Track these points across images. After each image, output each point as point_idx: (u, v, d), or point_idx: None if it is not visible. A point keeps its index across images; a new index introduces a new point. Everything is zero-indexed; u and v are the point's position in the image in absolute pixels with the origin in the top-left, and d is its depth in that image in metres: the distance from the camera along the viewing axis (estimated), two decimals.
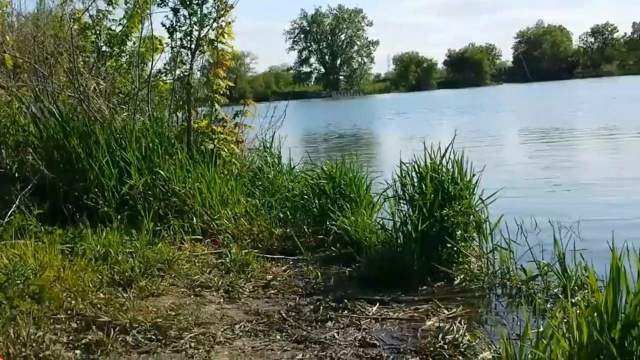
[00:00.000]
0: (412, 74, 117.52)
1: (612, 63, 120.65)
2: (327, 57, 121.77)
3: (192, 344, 3.70)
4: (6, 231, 5.67)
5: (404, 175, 5.43)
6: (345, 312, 4.25)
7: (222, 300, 4.55)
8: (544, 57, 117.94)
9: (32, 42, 9.33)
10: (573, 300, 3.84)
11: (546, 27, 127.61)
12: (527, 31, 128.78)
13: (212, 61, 8.24)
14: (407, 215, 5.23)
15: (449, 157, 5.32)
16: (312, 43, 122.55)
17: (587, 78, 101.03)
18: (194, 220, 6.18)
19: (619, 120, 21.49)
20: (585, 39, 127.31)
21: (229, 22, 7.89)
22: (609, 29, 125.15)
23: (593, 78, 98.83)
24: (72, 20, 9.05)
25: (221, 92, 7.77)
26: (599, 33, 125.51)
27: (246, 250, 5.50)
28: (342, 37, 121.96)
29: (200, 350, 3.64)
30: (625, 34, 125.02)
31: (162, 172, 6.64)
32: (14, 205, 6.33)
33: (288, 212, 6.61)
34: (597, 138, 17.60)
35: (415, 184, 5.37)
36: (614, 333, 2.77)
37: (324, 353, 3.60)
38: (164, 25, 8.30)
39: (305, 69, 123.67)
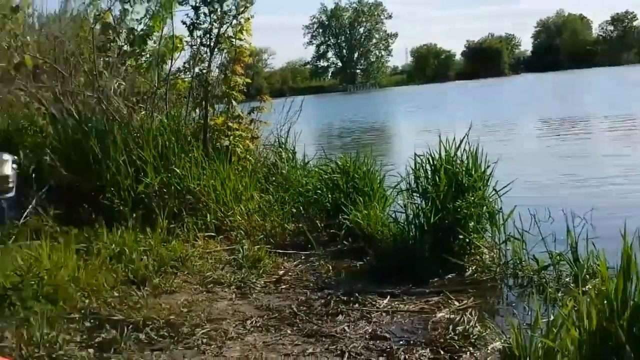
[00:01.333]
0: (429, 66, 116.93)
1: (631, 51, 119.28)
2: (344, 50, 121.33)
3: (205, 340, 3.73)
4: (21, 232, 5.74)
5: (417, 167, 5.42)
6: (356, 305, 4.25)
7: (234, 296, 4.57)
8: (564, 47, 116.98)
9: (52, 43, 9.43)
10: (584, 289, 3.82)
11: (566, 16, 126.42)
12: (548, 20, 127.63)
13: (230, 58, 8.28)
14: (419, 207, 5.23)
15: (464, 149, 5.29)
16: (331, 37, 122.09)
17: (606, 67, 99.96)
18: (208, 217, 6.21)
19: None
20: (605, 28, 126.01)
21: (248, 18, 7.90)
22: (629, 17, 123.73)
23: (613, 67, 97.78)
24: (94, 21, 9.12)
25: (238, 89, 7.79)
26: (619, 21, 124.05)
27: (259, 246, 5.52)
28: (361, 30, 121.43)
29: (212, 346, 3.66)
30: None
31: (177, 170, 6.68)
32: (30, 207, 6.41)
33: (301, 207, 6.62)
34: (613, 128, 17.36)
35: (429, 177, 5.35)
36: (622, 320, 2.77)
37: (334, 346, 3.61)
38: (184, 23, 8.37)
39: (323, 63, 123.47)
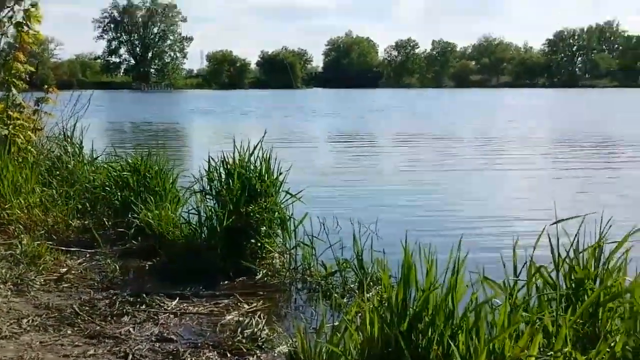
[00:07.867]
0: (225, 72, 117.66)
1: (413, 76, 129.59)
2: (138, 49, 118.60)
3: None
4: None
5: (211, 170, 5.39)
6: (143, 306, 4.13)
7: (9, 293, 4.28)
8: (351, 66, 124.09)
9: None
10: (368, 296, 4.00)
11: (355, 38, 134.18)
12: (338, 40, 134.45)
13: (14, 44, 7.80)
14: (213, 210, 5.20)
15: (257, 155, 5.34)
16: (123, 34, 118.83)
17: (390, 88, 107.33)
18: None
19: (422, 127, 23.07)
20: (390, 52, 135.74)
21: (35, 4, 7.49)
22: (411, 44, 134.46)
23: (395, 88, 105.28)
24: None
25: (20, 77, 7.39)
26: (402, 47, 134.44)
27: (39, 242, 5.19)
28: (155, 30, 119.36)
29: None
30: (425, 50, 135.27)
31: None
32: None
33: (87, 204, 6.33)
34: (399, 143, 18.70)
35: (223, 180, 5.34)
36: (402, 326, 2.91)
37: (117, 348, 3.48)
38: None
39: (115, 59, 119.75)
